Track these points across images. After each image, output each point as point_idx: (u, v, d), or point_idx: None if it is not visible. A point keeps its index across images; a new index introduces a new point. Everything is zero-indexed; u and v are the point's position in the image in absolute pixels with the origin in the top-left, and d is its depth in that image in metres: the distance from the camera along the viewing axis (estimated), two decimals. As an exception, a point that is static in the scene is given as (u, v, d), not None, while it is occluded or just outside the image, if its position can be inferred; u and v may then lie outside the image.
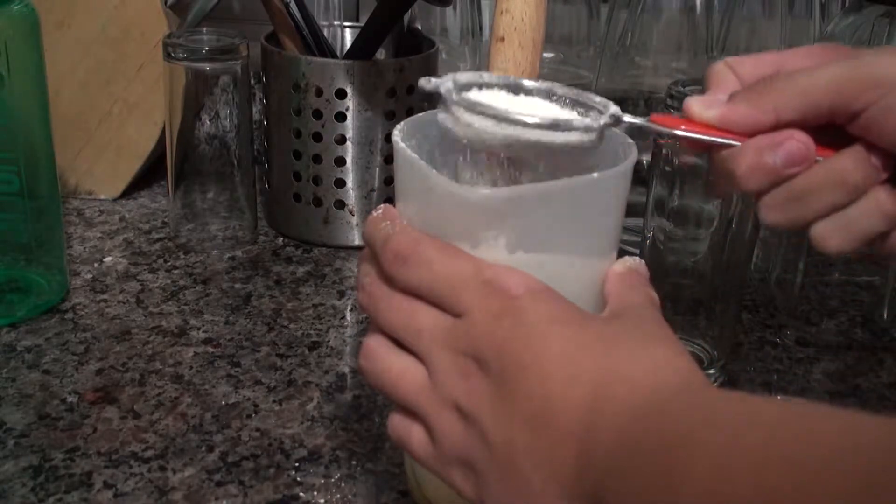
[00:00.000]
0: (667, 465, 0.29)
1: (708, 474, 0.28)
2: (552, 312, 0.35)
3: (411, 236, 0.38)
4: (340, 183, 0.71)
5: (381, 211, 0.40)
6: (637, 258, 0.41)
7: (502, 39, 0.40)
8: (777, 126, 0.38)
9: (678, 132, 0.39)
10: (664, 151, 0.53)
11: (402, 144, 0.39)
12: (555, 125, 0.37)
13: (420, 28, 0.76)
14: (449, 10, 0.91)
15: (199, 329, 0.60)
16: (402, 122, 0.42)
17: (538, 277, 0.37)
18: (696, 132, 0.39)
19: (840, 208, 0.38)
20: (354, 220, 0.72)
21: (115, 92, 0.76)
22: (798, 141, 0.37)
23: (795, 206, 0.38)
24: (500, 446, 0.34)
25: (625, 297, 0.38)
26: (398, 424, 0.38)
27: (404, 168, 0.40)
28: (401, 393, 0.37)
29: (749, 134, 0.38)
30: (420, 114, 0.43)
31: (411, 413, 0.38)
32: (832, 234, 0.38)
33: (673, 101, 0.60)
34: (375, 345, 0.38)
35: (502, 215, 0.37)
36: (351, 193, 0.71)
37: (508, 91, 0.40)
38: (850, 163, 0.37)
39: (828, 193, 0.37)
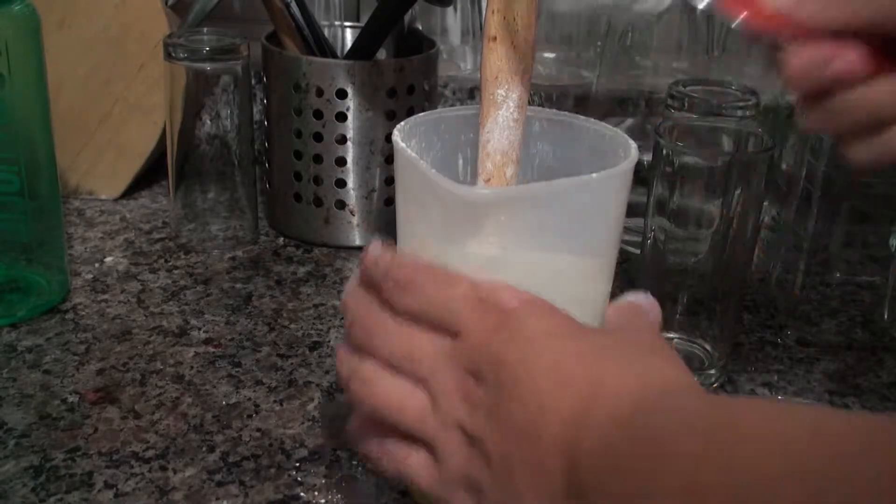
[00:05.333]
0: (645, 472, 0.29)
1: (681, 481, 0.28)
2: (548, 324, 0.35)
3: (408, 264, 0.38)
4: (341, 183, 0.71)
5: (373, 246, 0.39)
6: (643, 294, 0.40)
7: (494, 39, 0.40)
8: (845, 29, 0.36)
9: (740, 18, 0.37)
10: (665, 151, 0.53)
11: (402, 144, 0.39)
12: None
13: (420, 28, 0.76)
14: (449, 10, 0.91)
15: (199, 329, 0.60)
16: (403, 122, 0.42)
17: (537, 276, 0.37)
18: (759, 22, 0.37)
19: (871, 130, 0.38)
20: (355, 220, 0.72)
21: (115, 92, 0.76)
22: (850, 60, 0.36)
23: (829, 118, 0.38)
24: (499, 462, 0.34)
25: (624, 319, 0.38)
26: (398, 451, 0.38)
27: (404, 168, 0.40)
28: (402, 419, 0.37)
29: (813, 31, 0.37)
30: (421, 114, 0.43)
31: (410, 438, 0.37)
32: (858, 149, 0.38)
33: (673, 101, 0.60)
34: (371, 372, 0.38)
35: (501, 215, 0.37)
36: (351, 193, 0.71)
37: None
38: (886, 95, 0.37)
39: (859, 117, 0.37)
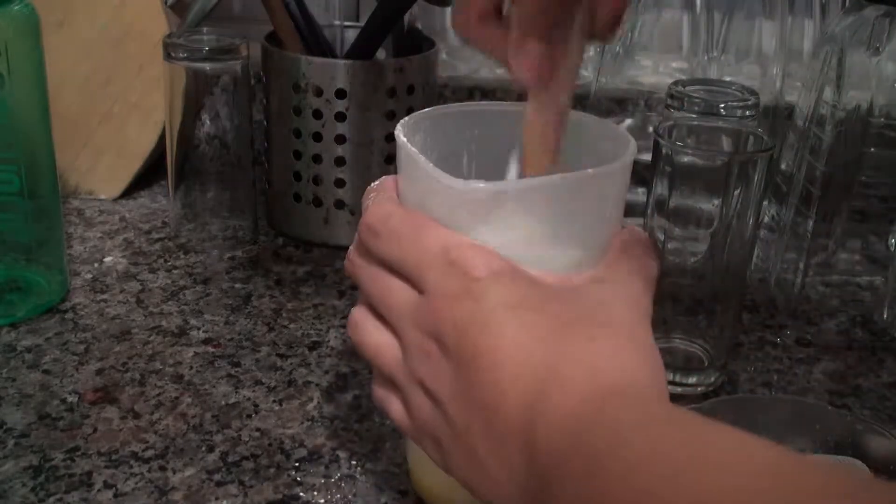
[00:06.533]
0: (590, 475, 0.30)
1: (624, 489, 0.28)
2: (512, 296, 0.35)
3: (384, 209, 0.38)
4: (340, 183, 0.71)
5: (376, 183, 0.41)
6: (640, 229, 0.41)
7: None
8: None
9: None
10: (664, 151, 0.53)
11: (403, 139, 0.40)
12: None
13: (420, 28, 0.76)
14: (449, 10, 0.91)
15: (199, 329, 0.60)
16: (408, 117, 0.42)
17: (534, 272, 0.37)
18: None
19: None
20: (354, 219, 0.72)
21: (115, 92, 0.76)
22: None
23: None
24: (461, 428, 0.35)
25: (613, 266, 0.38)
26: (380, 393, 0.40)
27: (404, 161, 0.40)
28: (380, 365, 0.39)
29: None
30: (425, 109, 0.43)
31: (391, 383, 0.39)
32: None
33: (673, 101, 0.60)
34: (360, 316, 0.40)
35: (498, 209, 0.37)
36: (351, 193, 0.71)
37: None
38: None
39: None
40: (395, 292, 0.37)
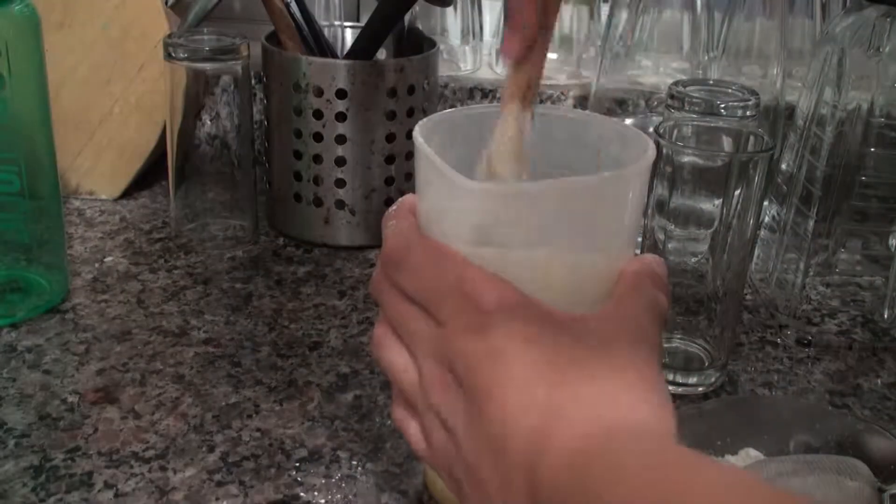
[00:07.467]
0: None
1: None
2: (521, 332, 0.35)
3: (402, 241, 0.39)
4: (341, 183, 0.71)
5: (395, 207, 0.41)
6: (656, 256, 0.41)
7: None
8: None
9: None
10: (664, 151, 0.54)
11: (421, 139, 0.39)
12: None
13: (420, 28, 0.76)
14: (449, 10, 0.91)
15: (199, 329, 0.60)
16: (426, 119, 0.42)
17: (546, 274, 0.37)
18: None
19: None
20: (355, 220, 0.72)
21: (115, 92, 0.76)
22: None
23: None
24: (471, 462, 0.35)
25: (623, 302, 0.38)
26: (399, 414, 0.40)
27: (420, 161, 0.40)
28: (401, 388, 0.39)
29: None
30: (445, 111, 0.43)
31: (410, 405, 0.39)
32: None
33: (673, 101, 0.60)
34: (382, 334, 0.40)
35: (511, 211, 0.37)
36: (351, 193, 0.71)
37: None
38: None
39: None
40: (414, 322, 0.38)
